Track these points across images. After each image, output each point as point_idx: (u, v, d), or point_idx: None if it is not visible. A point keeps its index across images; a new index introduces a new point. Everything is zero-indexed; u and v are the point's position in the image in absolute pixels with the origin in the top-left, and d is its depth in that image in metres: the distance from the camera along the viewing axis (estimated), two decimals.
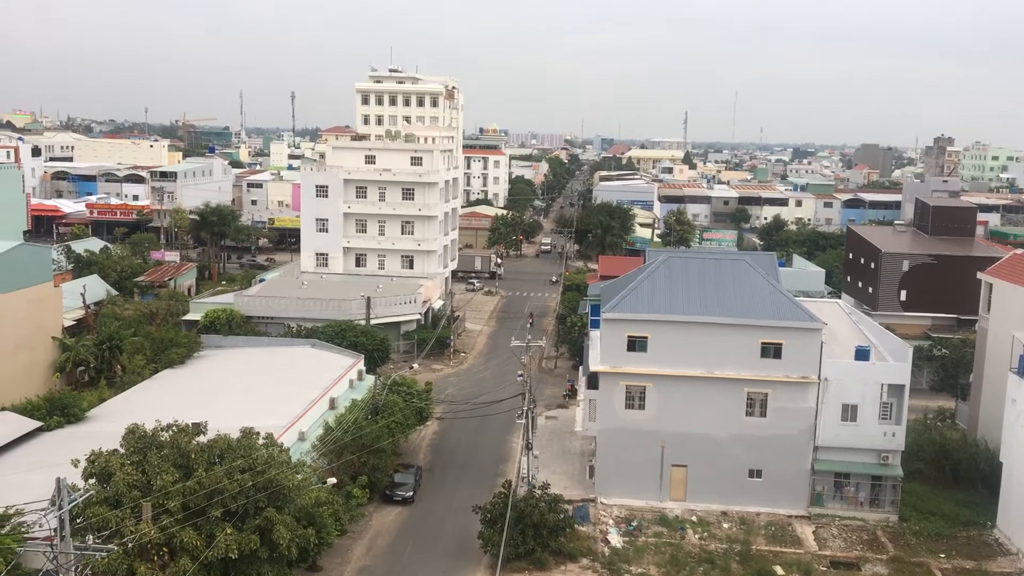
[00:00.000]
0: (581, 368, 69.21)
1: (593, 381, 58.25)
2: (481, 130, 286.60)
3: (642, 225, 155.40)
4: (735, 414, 56.00)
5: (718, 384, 55.79)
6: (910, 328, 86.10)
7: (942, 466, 60.25)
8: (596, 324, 62.65)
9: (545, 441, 66.50)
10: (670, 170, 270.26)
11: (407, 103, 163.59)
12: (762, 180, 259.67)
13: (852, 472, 56.21)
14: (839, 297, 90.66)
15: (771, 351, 55.20)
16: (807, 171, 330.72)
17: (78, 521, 34.43)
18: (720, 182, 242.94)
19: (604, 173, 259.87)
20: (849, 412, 55.47)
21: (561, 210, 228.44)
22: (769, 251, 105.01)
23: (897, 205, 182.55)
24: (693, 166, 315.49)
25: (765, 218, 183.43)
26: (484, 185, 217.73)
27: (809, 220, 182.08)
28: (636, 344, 55.97)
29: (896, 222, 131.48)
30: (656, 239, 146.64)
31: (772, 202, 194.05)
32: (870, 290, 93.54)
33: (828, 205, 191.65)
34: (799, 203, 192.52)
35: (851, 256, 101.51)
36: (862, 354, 56.41)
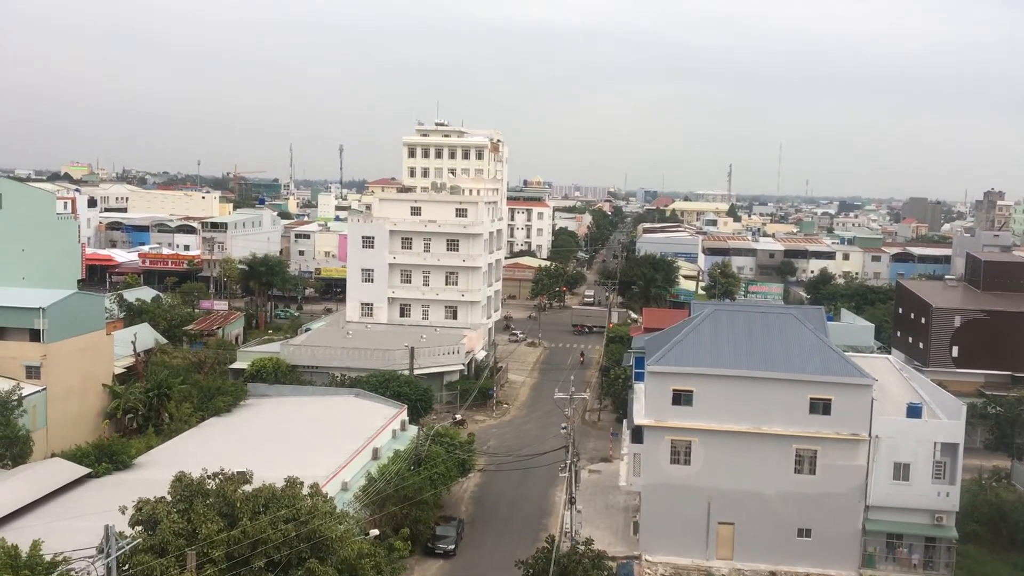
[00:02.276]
0: (625, 421, 68.54)
1: (638, 435, 57.61)
2: (525, 182, 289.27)
3: (686, 277, 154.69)
4: (783, 471, 54.93)
5: (766, 440, 54.86)
6: (962, 385, 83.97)
7: (998, 528, 58.35)
8: (640, 377, 62.24)
9: (588, 495, 65.70)
10: (714, 222, 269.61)
11: (452, 156, 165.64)
12: (808, 233, 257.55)
13: (905, 533, 54.69)
14: (889, 352, 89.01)
15: (820, 407, 54.26)
16: (854, 224, 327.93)
17: (125, 568, 34.59)
18: (765, 235, 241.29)
19: (647, 225, 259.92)
20: (901, 471, 54.16)
21: (604, 262, 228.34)
22: (816, 305, 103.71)
23: (947, 259, 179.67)
24: (738, 219, 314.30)
25: (812, 271, 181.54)
26: (528, 236, 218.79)
27: (857, 274, 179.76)
28: (682, 398, 55.39)
29: (947, 277, 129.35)
30: (700, 291, 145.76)
31: (819, 255, 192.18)
32: (921, 346, 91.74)
33: (876, 259, 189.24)
34: (846, 256, 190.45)
35: (901, 311, 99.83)
36: (914, 411, 55.20)
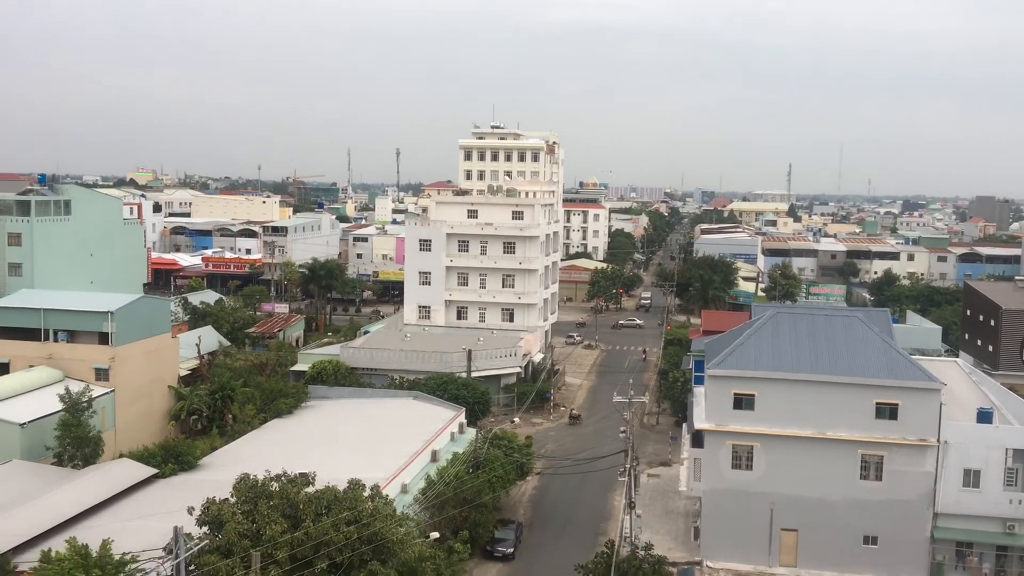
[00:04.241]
0: (685, 425, 67.84)
1: (698, 439, 56.95)
2: (581, 184, 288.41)
3: (745, 279, 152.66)
4: (848, 477, 53.80)
5: (830, 445, 53.79)
6: None
7: None
8: (700, 380, 61.48)
9: (648, 500, 65.16)
10: (774, 223, 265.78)
11: (508, 158, 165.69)
12: (871, 233, 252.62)
13: (975, 541, 53.16)
14: (957, 356, 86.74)
15: (886, 412, 53.04)
16: (918, 224, 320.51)
17: (191, 568, 35.25)
18: (827, 235, 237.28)
19: (705, 226, 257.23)
20: (971, 477, 52.66)
21: (661, 264, 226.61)
22: (881, 307, 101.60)
23: (1016, 259, 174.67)
24: (798, 219, 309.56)
25: (875, 272, 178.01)
26: (584, 238, 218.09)
27: (922, 275, 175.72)
28: (743, 402, 54.60)
29: (1017, 277, 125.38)
30: (760, 293, 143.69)
31: (882, 256, 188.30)
32: (990, 348, 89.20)
33: (942, 259, 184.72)
34: (911, 257, 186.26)
35: (969, 313, 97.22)
36: (985, 416, 53.65)
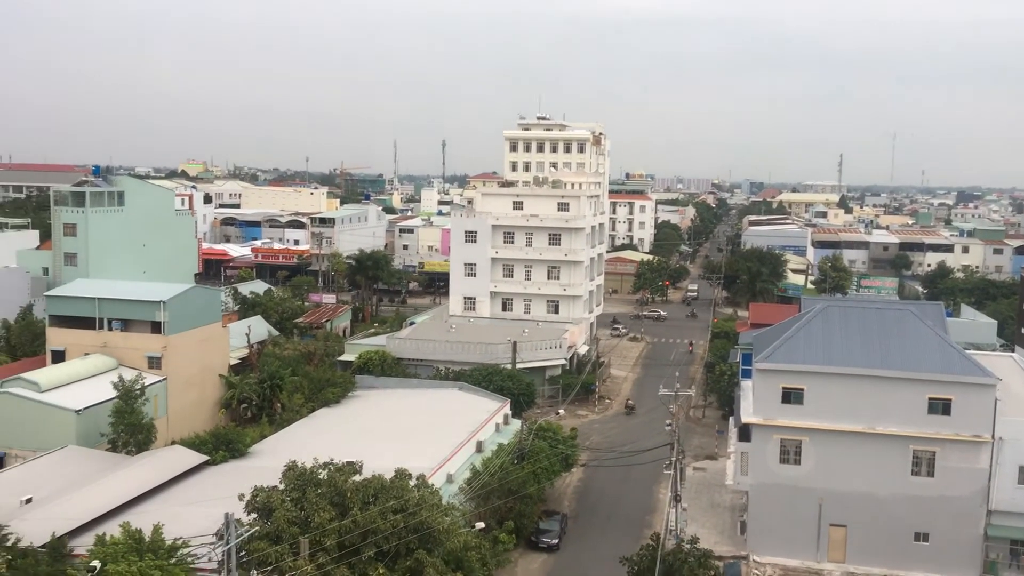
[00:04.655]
0: (731, 419, 67.24)
1: (745, 433, 56.42)
2: (627, 175, 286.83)
3: (794, 271, 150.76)
4: (899, 473, 52.92)
5: (881, 440, 52.95)
6: None
7: None
8: (748, 374, 60.94)
9: (694, 493, 64.76)
10: (824, 214, 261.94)
11: (554, 149, 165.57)
12: (924, 225, 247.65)
13: None
14: (1012, 350, 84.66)
15: (939, 407, 52.02)
16: (973, 215, 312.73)
17: (241, 554, 35.82)
18: (878, 227, 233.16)
19: (753, 218, 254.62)
20: None
21: (708, 256, 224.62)
22: (935, 300, 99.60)
23: None
24: (849, 210, 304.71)
25: (928, 265, 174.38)
26: (629, 230, 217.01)
27: (977, 267, 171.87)
28: (792, 396, 53.92)
29: None
30: (809, 286, 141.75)
31: (936, 248, 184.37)
32: None
33: (998, 252, 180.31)
34: (966, 249, 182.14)
35: None
36: None
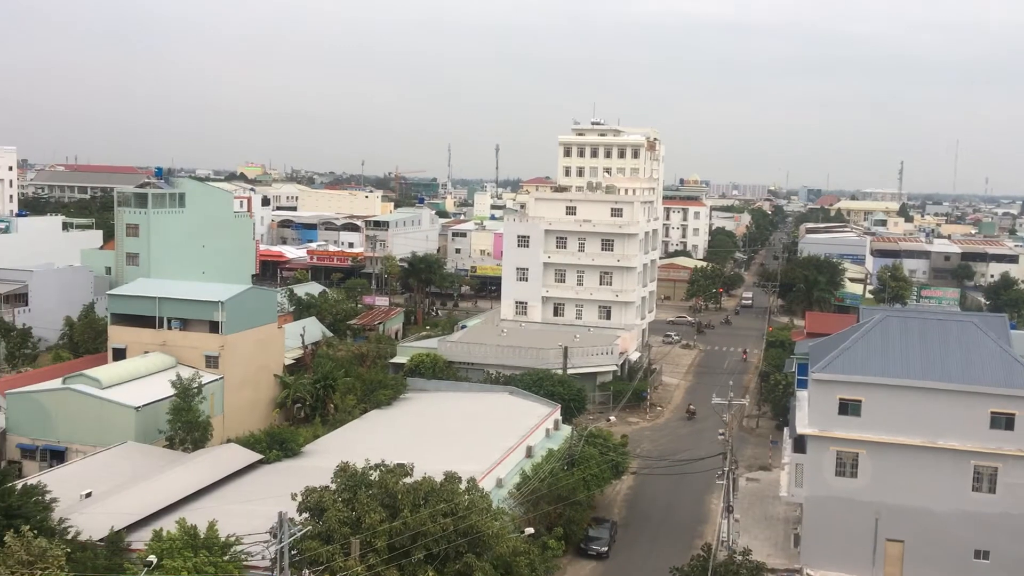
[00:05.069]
0: (786, 429, 66.19)
1: (800, 444, 55.48)
2: (681, 181, 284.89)
3: (852, 280, 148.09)
4: (959, 488, 51.57)
5: (940, 455, 51.66)
6: None
7: None
8: (803, 384, 59.92)
9: (746, 504, 63.87)
10: (884, 223, 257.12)
11: (608, 155, 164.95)
12: (988, 234, 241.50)
13: None
14: None
15: (1002, 422, 50.61)
16: None
17: (293, 553, 36.21)
18: (940, 236, 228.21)
19: (811, 225, 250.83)
20: None
21: (763, 264, 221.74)
22: (998, 312, 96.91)
23: None
24: (909, 219, 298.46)
25: (992, 276, 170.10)
26: (683, 236, 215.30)
27: None
28: (848, 407, 52.90)
29: None
30: (868, 295, 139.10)
31: (1000, 258, 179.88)
32: None
33: None
34: None
35: None
36: None
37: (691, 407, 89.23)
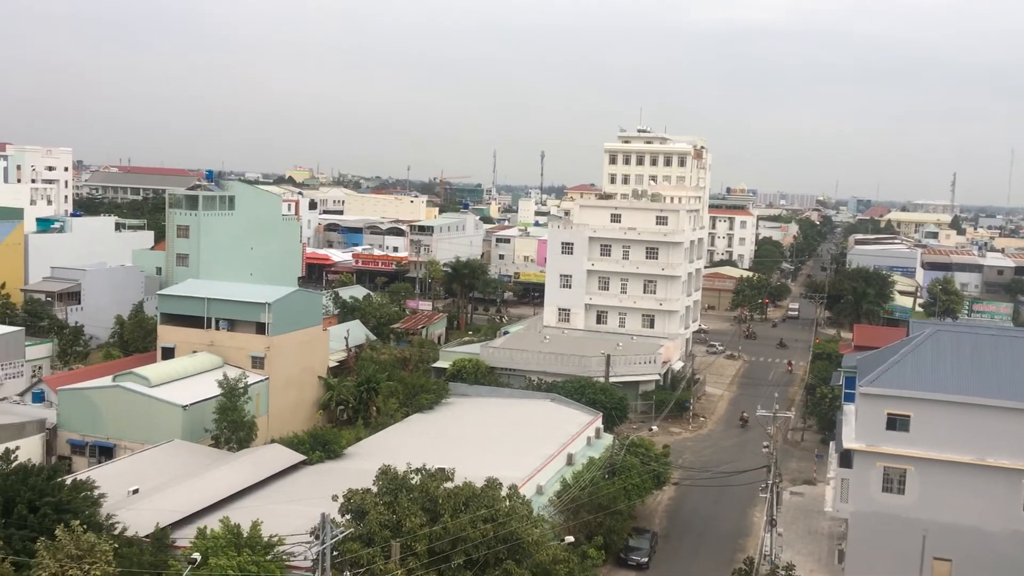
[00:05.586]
0: (832, 443, 65.23)
1: (846, 459, 54.59)
2: (728, 190, 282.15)
3: (902, 293, 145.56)
4: (1011, 508, 50.33)
5: (991, 473, 50.46)
6: None
7: None
8: (851, 398, 59.06)
9: (790, 519, 62.98)
10: (935, 235, 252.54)
11: (654, 163, 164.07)
12: None
13: None
14: None
15: None
16: None
17: (334, 555, 36.47)
18: (993, 249, 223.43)
19: (860, 236, 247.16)
20: None
21: (810, 275, 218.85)
22: None
23: None
24: (962, 231, 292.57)
25: None
26: (729, 246, 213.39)
27: None
28: (897, 423, 51.90)
29: None
30: (918, 309, 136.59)
31: None
32: None
33: None
34: None
35: None
36: None
37: (744, 414, 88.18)
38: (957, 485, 51.15)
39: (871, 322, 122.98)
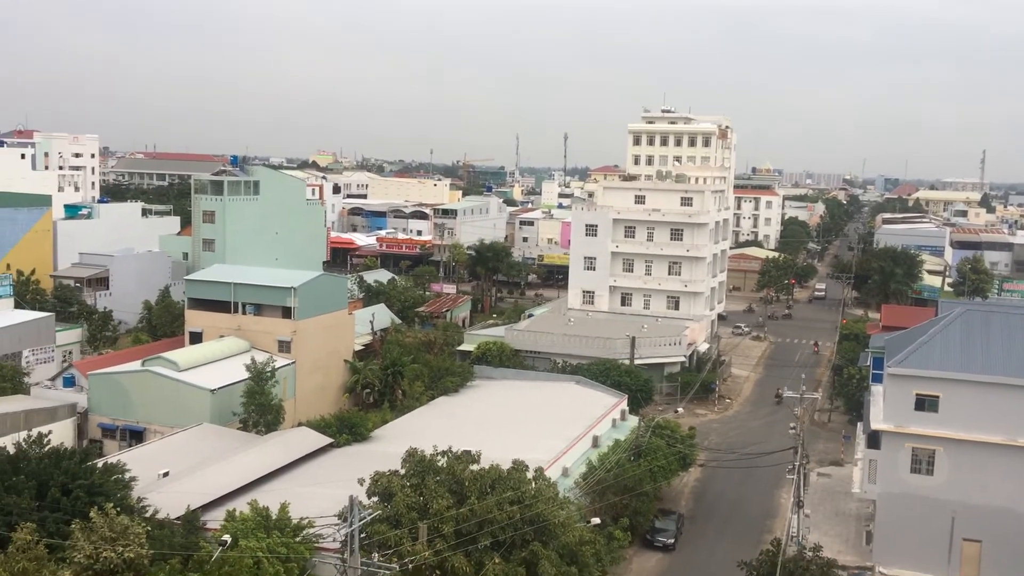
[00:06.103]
0: (859, 424, 64.80)
1: (874, 440, 54.24)
2: (754, 169, 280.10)
3: (930, 273, 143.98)
4: None
5: (1022, 453, 49.95)
6: None
7: None
8: (878, 378, 58.60)
9: (817, 500, 62.73)
10: (964, 213, 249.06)
11: (678, 143, 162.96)
12: None
13: None
14: None
15: None
16: None
17: (362, 536, 36.76)
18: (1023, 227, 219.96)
19: (887, 215, 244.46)
20: None
21: (837, 256, 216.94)
22: None
23: None
24: (992, 209, 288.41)
25: None
26: (755, 226, 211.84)
27: None
28: (925, 403, 51.45)
29: None
30: (947, 288, 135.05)
31: None
32: None
33: None
34: None
35: None
36: None
37: (780, 391, 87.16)
38: (986, 466, 50.71)
39: (899, 302, 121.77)
